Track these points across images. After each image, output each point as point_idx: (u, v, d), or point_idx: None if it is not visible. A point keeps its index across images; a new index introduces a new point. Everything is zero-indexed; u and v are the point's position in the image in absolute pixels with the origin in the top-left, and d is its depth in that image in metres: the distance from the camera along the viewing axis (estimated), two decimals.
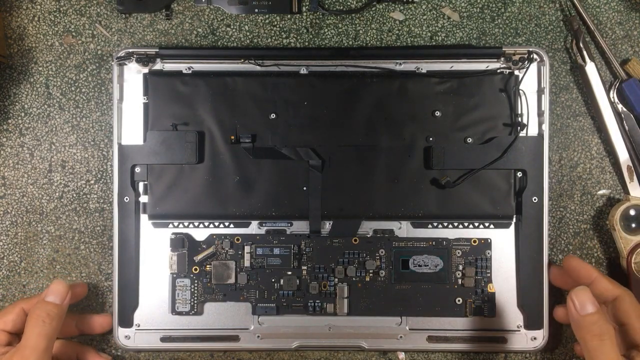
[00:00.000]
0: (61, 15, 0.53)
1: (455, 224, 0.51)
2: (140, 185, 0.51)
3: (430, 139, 0.51)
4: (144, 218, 0.51)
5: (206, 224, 0.52)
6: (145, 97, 0.51)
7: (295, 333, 0.51)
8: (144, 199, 0.51)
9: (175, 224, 0.51)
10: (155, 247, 0.52)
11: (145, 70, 0.52)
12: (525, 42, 0.53)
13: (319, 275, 0.51)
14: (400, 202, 0.50)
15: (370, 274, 0.51)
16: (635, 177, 0.52)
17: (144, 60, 0.51)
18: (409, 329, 0.51)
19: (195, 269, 0.51)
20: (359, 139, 0.51)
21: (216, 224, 0.52)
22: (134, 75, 0.52)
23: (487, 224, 0.51)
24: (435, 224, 0.52)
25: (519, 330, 0.51)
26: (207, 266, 0.51)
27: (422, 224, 0.52)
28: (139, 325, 0.51)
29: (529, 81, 0.51)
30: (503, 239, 0.51)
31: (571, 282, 0.48)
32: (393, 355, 0.53)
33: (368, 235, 0.51)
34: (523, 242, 0.50)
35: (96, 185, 0.53)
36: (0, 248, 0.53)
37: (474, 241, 0.51)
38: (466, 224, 0.51)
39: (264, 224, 0.52)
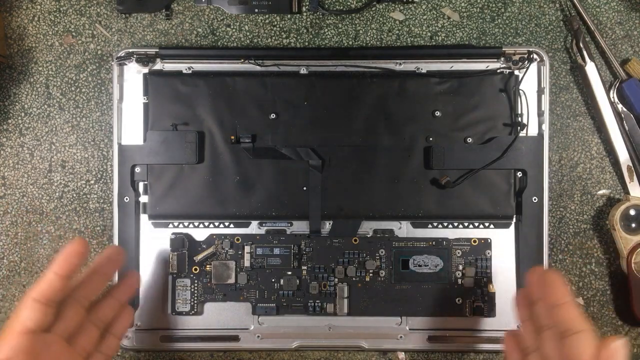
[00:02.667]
0: (61, 15, 0.53)
1: (455, 224, 0.51)
2: (140, 185, 0.51)
3: (430, 139, 0.51)
4: (144, 218, 0.51)
5: (206, 224, 0.52)
6: (145, 97, 0.51)
7: (295, 333, 0.51)
8: (144, 199, 0.51)
9: (175, 224, 0.51)
10: (155, 247, 0.52)
11: (145, 70, 0.52)
12: (525, 42, 0.53)
13: (319, 275, 0.51)
14: (400, 202, 0.50)
15: (370, 274, 0.51)
16: (635, 177, 0.52)
17: (144, 60, 0.51)
18: (409, 329, 0.51)
19: (195, 269, 0.51)
20: (359, 139, 0.51)
21: (216, 224, 0.52)
22: (134, 75, 0.52)
23: (487, 224, 0.51)
24: (435, 224, 0.52)
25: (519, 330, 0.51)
26: (207, 266, 0.51)
27: (422, 224, 0.52)
28: (139, 325, 0.51)
29: (529, 81, 0.51)
30: (503, 239, 0.51)
31: (528, 303, 0.43)
32: (393, 355, 0.53)
33: (368, 235, 0.51)
34: (523, 242, 0.50)
35: (96, 185, 0.53)
36: (0, 248, 0.53)
37: (474, 241, 0.51)
38: (466, 224, 0.51)
39: (264, 224, 0.52)
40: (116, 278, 0.50)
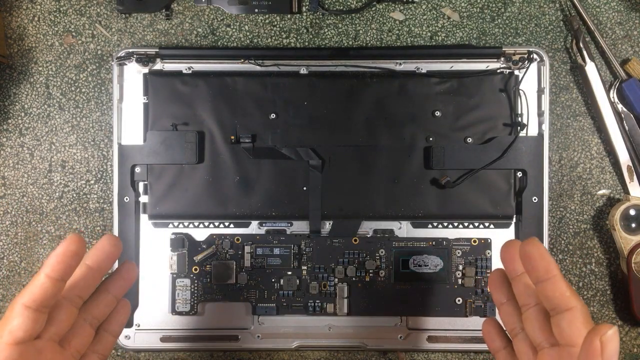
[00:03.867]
0: (61, 15, 0.53)
1: (455, 224, 0.51)
2: (140, 185, 0.51)
3: (430, 139, 0.51)
4: (144, 218, 0.51)
5: (206, 224, 0.52)
6: (145, 97, 0.51)
7: (295, 333, 0.51)
8: (144, 199, 0.51)
9: (175, 224, 0.51)
10: (155, 247, 0.52)
11: (145, 70, 0.52)
12: (525, 42, 0.53)
13: (319, 275, 0.51)
14: (400, 202, 0.50)
15: (370, 274, 0.51)
16: (635, 177, 0.52)
17: (144, 60, 0.51)
18: (409, 329, 0.51)
19: (195, 269, 0.51)
20: (359, 139, 0.51)
21: (216, 224, 0.52)
22: (134, 75, 0.52)
23: (487, 224, 0.51)
24: (435, 224, 0.52)
25: None
26: (207, 266, 0.51)
27: (422, 224, 0.52)
28: (139, 325, 0.51)
29: (529, 81, 0.51)
30: (503, 239, 0.51)
31: (504, 284, 0.39)
32: (393, 355, 0.53)
33: (368, 235, 0.52)
34: None
35: (96, 185, 0.53)
36: (0, 248, 0.53)
37: (474, 241, 0.51)
38: (466, 224, 0.51)
39: (264, 224, 0.52)
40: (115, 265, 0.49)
